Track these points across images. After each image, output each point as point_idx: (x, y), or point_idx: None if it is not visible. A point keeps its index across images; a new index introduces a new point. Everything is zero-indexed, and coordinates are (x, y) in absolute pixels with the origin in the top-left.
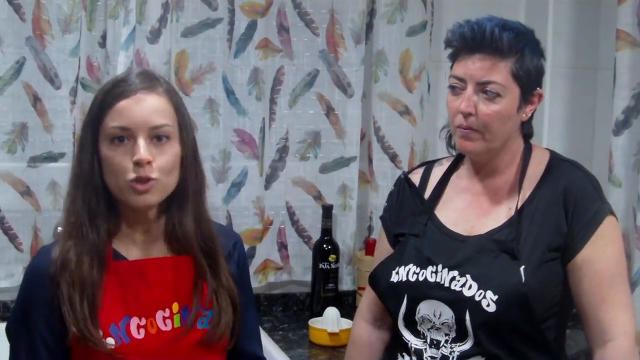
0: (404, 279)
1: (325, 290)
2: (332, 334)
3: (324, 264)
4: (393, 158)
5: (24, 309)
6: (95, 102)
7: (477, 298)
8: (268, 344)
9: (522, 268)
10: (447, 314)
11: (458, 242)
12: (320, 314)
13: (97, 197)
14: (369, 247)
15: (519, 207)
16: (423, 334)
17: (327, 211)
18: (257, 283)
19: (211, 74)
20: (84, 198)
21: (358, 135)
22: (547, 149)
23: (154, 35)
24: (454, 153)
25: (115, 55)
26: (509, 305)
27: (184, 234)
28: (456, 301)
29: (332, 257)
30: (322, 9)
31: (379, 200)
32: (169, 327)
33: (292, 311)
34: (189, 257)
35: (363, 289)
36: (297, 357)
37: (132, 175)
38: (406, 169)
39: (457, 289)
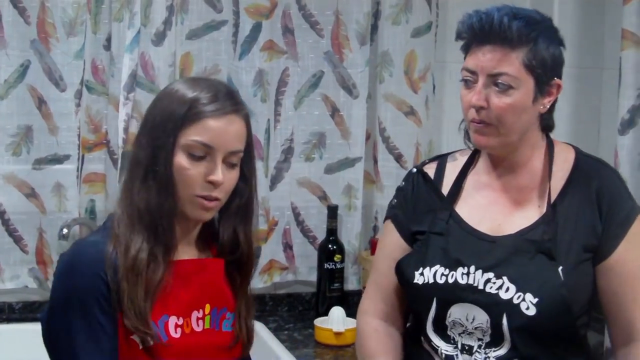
0: (431, 280)
1: (330, 290)
2: (337, 334)
3: (329, 264)
4: (398, 158)
5: (78, 302)
6: (176, 106)
7: (515, 301)
8: (273, 344)
9: (560, 269)
10: (481, 317)
11: (487, 242)
12: (325, 313)
13: (172, 202)
14: (374, 247)
15: (549, 205)
16: (453, 339)
17: (332, 211)
18: (262, 283)
19: (216, 76)
20: (161, 200)
21: (363, 136)
22: (570, 145)
23: (159, 38)
24: (472, 147)
25: (120, 58)
26: (550, 308)
27: (250, 249)
28: (492, 304)
29: (337, 257)
30: (327, 10)
31: (384, 201)
32: (200, 328)
33: (297, 311)
34: (221, 261)
35: None
36: (303, 356)
37: (201, 192)
38: None
39: (493, 291)
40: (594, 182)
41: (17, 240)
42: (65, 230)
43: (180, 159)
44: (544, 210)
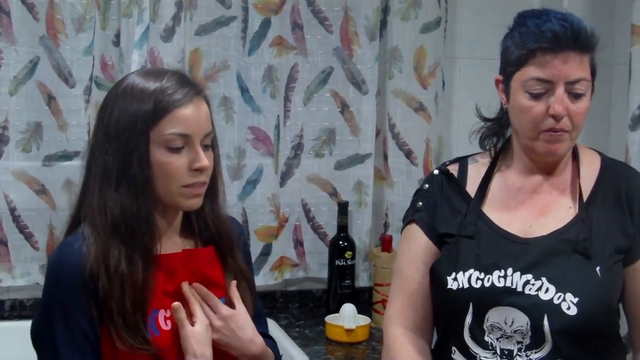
0: (466, 285)
1: (341, 287)
2: (348, 330)
3: (340, 261)
4: (408, 155)
5: (60, 306)
6: (139, 105)
7: (555, 301)
8: (285, 341)
9: (597, 268)
10: (520, 320)
11: (520, 245)
12: (336, 310)
13: (151, 203)
14: (385, 243)
15: (582, 206)
16: (491, 344)
17: (343, 208)
18: (273, 280)
19: (225, 72)
20: (140, 204)
21: (373, 132)
22: (592, 149)
23: (168, 34)
24: (492, 153)
25: (129, 54)
26: (591, 307)
27: (222, 225)
28: (532, 306)
29: (348, 254)
30: (336, 6)
31: (394, 197)
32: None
33: (308, 308)
34: (210, 248)
35: (379, 285)
36: (314, 353)
37: (189, 181)
38: (421, 166)
39: (533, 293)
40: (623, 184)
41: (28, 237)
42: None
43: (159, 155)
44: (576, 211)
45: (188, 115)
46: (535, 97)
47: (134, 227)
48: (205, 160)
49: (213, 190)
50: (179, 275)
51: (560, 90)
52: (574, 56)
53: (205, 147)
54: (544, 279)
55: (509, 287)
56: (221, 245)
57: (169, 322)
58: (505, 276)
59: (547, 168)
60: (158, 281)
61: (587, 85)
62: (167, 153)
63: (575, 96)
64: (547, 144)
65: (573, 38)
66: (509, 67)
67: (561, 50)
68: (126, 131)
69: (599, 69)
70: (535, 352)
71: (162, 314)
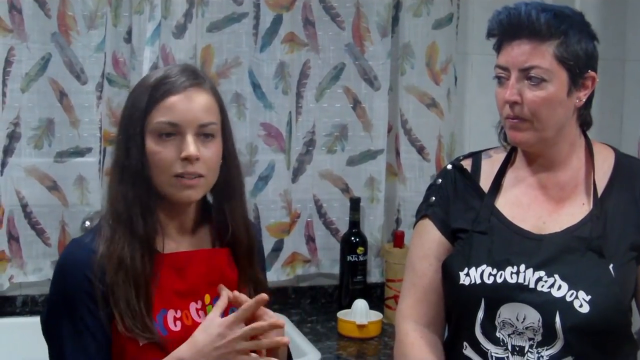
0: (478, 281)
1: (353, 283)
2: (360, 326)
3: (352, 257)
4: (420, 150)
5: (66, 303)
6: (139, 96)
7: (568, 299)
8: (296, 337)
9: (610, 266)
10: (532, 317)
11: (533, 241)
12: (348, 306)
13: (147, 192)
14: (397, 239)
15: (596, 202)
16: (503, 340)
17: (355, 204)
18: (285, 276)
19: (237, 69)
20: (136, 193)
21: (385, 128)
22: (608, 145)
23: (180, 30)
24: (507, 147)
25: (141, 51)
26: (604, 305)
27: (236, 227)
28: (544, 303)
29: (360, 250)
30: (348, 2)
31: (406, 193)
32: (202, 319)
33: (320, 303)
34: (225, 250)
35: (391, 281)
36: (326, 349)
37: (178, 170)
38: (434, 162)
39: (545, 290)
40: (637, 181)
41: (40, 233)
42: (87, 223)
43: (151, 144)
44: (590, 207)
45: (176, 103)
46: (500, 83)
47: (132, 216)
48: (191, 148)
49: (227, 188)
50: (190, 275)
51: (512, 77)
52: (525, 43)
53: (204, 140)
54: (556, 276)
55: (522, 283)
56: (239, 249)
57: (178, 323)
58: (517, 272)
59: (537, 160)
60: (166, 279)
61: (544, 72)
62: (158, 141)
63: (534, 84)
64: (510, 131)
65: (515, 26)
66: None
67: (513, 38)
68: (128, 122)
69: (611, 65)
70: (547, 349)
71: (171, 314)
